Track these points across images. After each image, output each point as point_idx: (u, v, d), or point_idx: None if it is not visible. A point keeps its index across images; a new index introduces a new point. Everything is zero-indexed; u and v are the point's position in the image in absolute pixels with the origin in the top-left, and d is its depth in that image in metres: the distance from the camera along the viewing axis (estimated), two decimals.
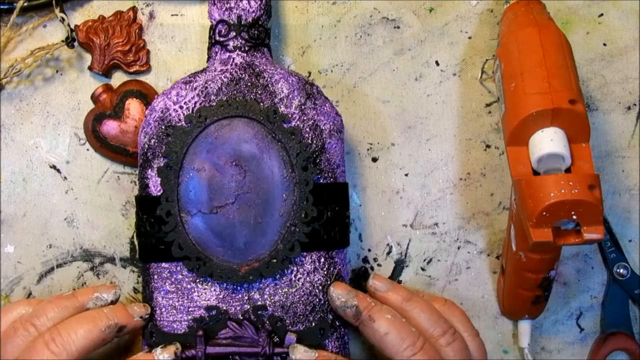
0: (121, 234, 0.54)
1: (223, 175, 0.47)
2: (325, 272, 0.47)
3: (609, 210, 0.54)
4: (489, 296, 0.54)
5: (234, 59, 0.49)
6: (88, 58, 0.55)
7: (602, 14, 0.56)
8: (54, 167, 0.55)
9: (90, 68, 0.55)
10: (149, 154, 0.48)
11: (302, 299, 0.47)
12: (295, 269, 0.47)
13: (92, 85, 0.55)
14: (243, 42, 0.49)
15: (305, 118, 0.47)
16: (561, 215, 0.43)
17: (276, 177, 0.47)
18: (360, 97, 0.55)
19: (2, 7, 0.54)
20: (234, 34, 0.49)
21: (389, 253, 0.55)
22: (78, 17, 0.56)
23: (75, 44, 0.55)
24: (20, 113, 0.55)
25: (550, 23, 0.49)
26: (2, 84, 0.55)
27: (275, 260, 0.46)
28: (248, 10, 0.49)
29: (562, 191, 0.42)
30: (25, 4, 0.54)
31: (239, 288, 0.47)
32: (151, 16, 0.56)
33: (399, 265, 0.54)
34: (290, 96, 0.48)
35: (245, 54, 0.49)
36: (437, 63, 0.56)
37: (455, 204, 0.55)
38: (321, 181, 0.47)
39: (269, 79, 0.48)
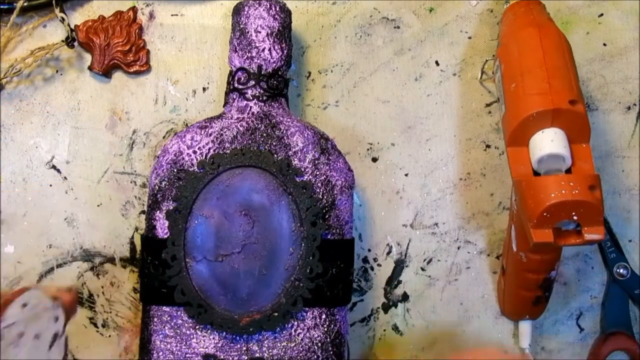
0: (121, 234, 0.54)
1: (231, 223, 0.46)
2: (326, 329, 0.47)
3: (609, 210, 0.54)
4: (489, 296, 0.54)
5: (251, 107, 0.49)
6: (88, 58, 0.55)
7: (602, 14, 0.56)
8: (54, 167, 0.55)
9: (90, 68, 0.55)
10: (158, 195, 0.47)
11: (301, 354, 0.46)
12: (295, 323, 0.46)
13: (92, 85, 0.55)
14: (261, 91, 0.49)
15: (317, 173, 0.47)
16: (562, 216, 0.43)
17: (284, 230, 0.46)
18: (360, 97, 0.55)
19: (2, 7, 0.54)
20: (253, 83, 0.49)
21: (389, 253, 0.55)
22: (78, 17, 0.56)
23: (75, 44, 0.55)
24: (20, 113, 0.55)
25: (550, 23, 0.49)
26: (2, 84, 0.55)
27: (276, 314, 0.46)
28: (269, 61, 0.49)
29: (563, 192, 0.42)
30: (25, 4, 0.54)
31: (238, 338, 0.46)
32: (151, 16, 0.56)
33: (399, 265, 0.54)
34: (305, 150, 0.47)
35: (262, 104, 0.49)
36: (437, 63, 0.56)
37: (455, 204, 0.55)
38: (329, 237, 0.47)
39: (284, 131, 0.48)
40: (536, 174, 0.46)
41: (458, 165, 0.55)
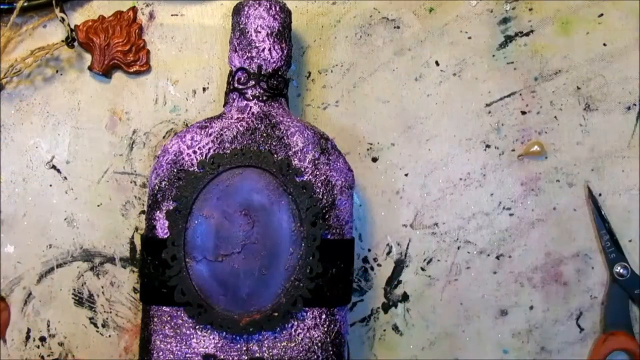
0: (121, 234, 0.54)
1: (231, 223, 0.46)
2: (326, 329, 0.47)
3: (609, 210, 0.54)
4: (488, 296, 0.54)
5: (251, 107, 0.49)
6: (88, 58, 0.55)
7: (602, 14, 0.56)
8: (54, 167, 0.55)
9: (90, 68, 0.55)
10: (158, 195, 0.47)
11: (301, 354, 0.46)
12: (295, 323, 0.46)
13: (92, 85, 0.55)
14: (261, 91, 0.49)
15: (317, 173, 0.47)
16: None
17: (284, 230, 0.46)
18: (360, 97, 0.55)
19: (2, 7, 0.54)
20: (253, 82, 0.49)
21: (389, 253, 0.55)
22: (78, 17, 0.56)
23: (75, 44, 0.55)
24: (20, 113, 0.55)
25: None
26: (2, 84, 0.55)
27: (276, 314, 0.46)
28: (269, 61, 0.49)
29: None
30: (25, 4, 0.54)
31: (238, 338, 0.46)
32: (151, 16, 0.56)
33: (399, 265, 0.54)
34: (305, 150, 0.47)
35: (262, 104, 0.49)
36: (437, 63, 0.56)
37: (455, 204, 0.55)
38: (329, 237, 0.47)
39: (284, 131, 0.48)
40: None
41: (458, 165, 0.55)
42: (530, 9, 0.56)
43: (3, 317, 0.52)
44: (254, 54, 0.49)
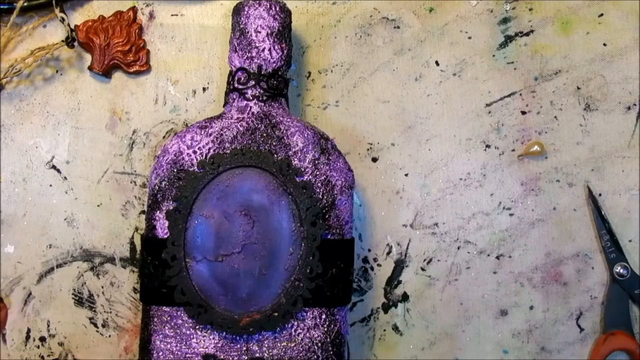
0: (121, 234, 0.54)
1: (231, 223, 0.46)
2: (326, 329, 0.47)
3: (609, 210, 0.54)
4: (489, 296, 0.54)
5: (251, 107, 0.49)
6: (88, 58, 0.55)
7: (602, 14, 0.56)
8: (54, 167, 0.55)
9: (90, 68, 0.55)
10: (158, 195, 0.47)
11: (301, 354, 0.46)
12: (296, 323, 0.46)
13: (92, 85, 0.55)
14: (261, 91, 0.49)
15: (317, 173, 0.47)
16: None
17: (284, 230, 0.46)
18: (360, 97, 0.55)
19: (2, 7, 0.54)
20: (253, 83, 0.49)
21: (389, 253, 0.55)
22: (78, 17, 0.56)
23: (75, 44, 0.55)
24: (20, 113, 0.55)
25: None
26: (2, 84, 0.55)
27: (276, 314, 0.46)
28: (269, 61, 0.49)
29: None
30: (25, 4, 0.54)
31: (238, 338, 0.46)
32: (151, 16, 0.56)
33: (399, 265, 0.54)
34: (305, 150, 0.47)
35: (262, 104, 0.49)
36: (437, 63, 0.56)
37: (455, 204, 0.55)
38: (329, 237, 0.47)
39: (284, 131, 0.48)
40: None
41: (458, 165, 0.55)
42: (530, 9, 0.56)
43: (1, 315, 0.52)
44: (254, 54, 0.49)
